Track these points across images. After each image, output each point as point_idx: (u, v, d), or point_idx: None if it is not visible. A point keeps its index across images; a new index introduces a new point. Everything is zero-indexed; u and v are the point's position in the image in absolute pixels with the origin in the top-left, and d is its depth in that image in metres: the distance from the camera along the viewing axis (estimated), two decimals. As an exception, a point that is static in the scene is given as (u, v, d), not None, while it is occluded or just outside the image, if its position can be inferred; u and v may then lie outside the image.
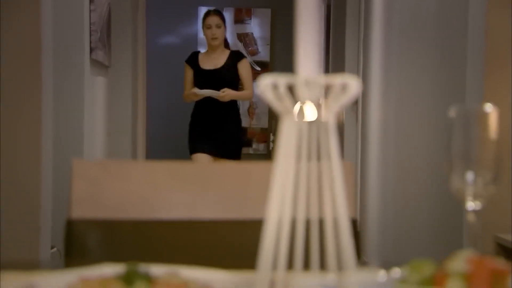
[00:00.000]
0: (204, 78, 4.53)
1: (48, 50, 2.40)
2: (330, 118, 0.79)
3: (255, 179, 1.22)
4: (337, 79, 0.76)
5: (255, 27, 6.62)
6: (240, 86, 4.63)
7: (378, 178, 3.28)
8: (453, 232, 3.02)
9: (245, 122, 6.46)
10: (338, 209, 0.77)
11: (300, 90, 0.76)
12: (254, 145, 6.84)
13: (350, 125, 4.21)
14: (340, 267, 0.70)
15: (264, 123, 6.82)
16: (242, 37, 6.54)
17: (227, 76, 4.54)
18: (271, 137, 6.71)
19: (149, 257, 0.89)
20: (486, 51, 2.76)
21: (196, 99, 4.53)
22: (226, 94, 4.44)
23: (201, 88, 4.49)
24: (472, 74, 2.92)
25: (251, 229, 1.17)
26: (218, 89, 4.45)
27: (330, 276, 0.60)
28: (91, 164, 1.20)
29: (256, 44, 6.54)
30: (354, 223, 1.19)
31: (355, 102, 3.95)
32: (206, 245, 1.18)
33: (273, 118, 6.67)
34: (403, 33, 3.36)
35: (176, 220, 1.20)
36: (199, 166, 1.24)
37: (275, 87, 0.77)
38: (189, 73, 4.61)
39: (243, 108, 6.37)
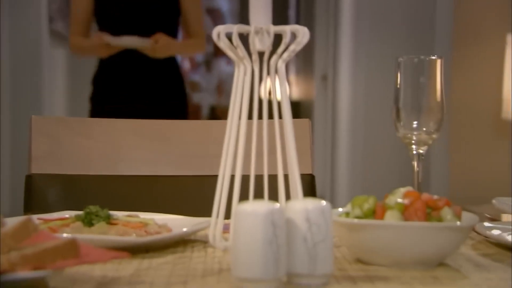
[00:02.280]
0: (116, 14, 2.63)
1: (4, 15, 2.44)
2: (281, 67, 0.87)
3: (215, 137, 1.31)
4: (287, 27, 0.84)
5: None
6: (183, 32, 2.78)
7: (347, 138, 3.55)
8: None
9: (211, 99, 6.50)
10: (290, 162, 0.86)
11: (252, 39, 0.85)
12: (222, 124, 6.89)
13: (321, 102, 4.31)
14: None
15: (233, 101, 6.87)
16: None
17: (161, 11, 2.65)
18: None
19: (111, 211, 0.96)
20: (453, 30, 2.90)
21: (106, 54, 2.62)
22: (161, 44, 2.58)
23: (114, 33, 2.58)
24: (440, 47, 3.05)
25: (210, 184, 1.26)
26: (145, 34, 2.59)
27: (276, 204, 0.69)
28: (50, 120, 1.27)
29: None
30: (312, 178, 1.28)
31: (325, 78, 4.05)
32: (166, 199, 1.27)
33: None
34: (373, 7, 3.48)
35: (137, 176, 1.28)
36: (161, 123, 1.32)
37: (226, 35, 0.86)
38: (82, 3, 2.63)
39: (210, 83, 6.40)
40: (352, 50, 3.62)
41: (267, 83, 0.89)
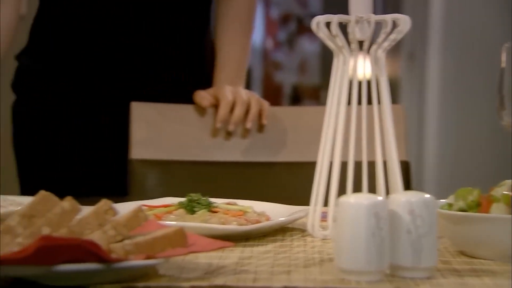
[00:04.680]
0: None
1: None
2: (381, 56, 0.87)
3: (309, 123, 1.32)
4: (388, 16, 0.84)
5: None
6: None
7: (437, 123, 3.45)
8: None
9: (293, 78, 6.49)
10: (389, 150, 0.86)
11: (352, 28, 0.85)
12: (305, 103, 6.90)
13: (407, 80, 4.23)
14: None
15: (315, 79, 6.86)
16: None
17: None
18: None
19: (206, 196, 0.99)
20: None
21: None
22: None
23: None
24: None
25: (303, 171, 1.27)
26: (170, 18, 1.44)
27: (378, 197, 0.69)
28: (149, 106, 1.31)
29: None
30: (406, 165, 1.27)
31: (412, 56, 3.97)
32: (260, 185, 1.29)
33: (326, 73, 6.70)
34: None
35: (231, 162, 1.31)
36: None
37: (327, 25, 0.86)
38: None
39: (292, 62, 6.40)
40: (442, 25, 3.51)
41: (366, 72, 0.89)
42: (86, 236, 0.69)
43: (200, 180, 1.29)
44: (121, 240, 0.70)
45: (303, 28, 5.91)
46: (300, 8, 6.37)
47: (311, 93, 6.84)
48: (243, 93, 1.30)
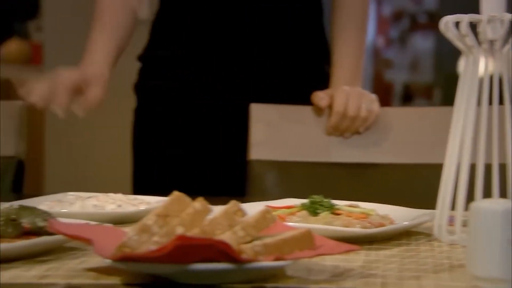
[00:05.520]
0: None
1: None
2: (513, 55, 0.84)
3: (432, 124, 1.29)
4: (523, 15, 0.81)
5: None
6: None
7: None
8: None
9: (405, 76, 6.37)
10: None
11: (484, 27, 0.82)
12: (417, 102, 6.74)
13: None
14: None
15: (428, 77, 6.69)
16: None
17: None
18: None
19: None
20: None
21: None
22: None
23: None
24: None
25: (425, 173, 1.25)
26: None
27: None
28: (269, 107, 1.33)
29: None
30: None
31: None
32: (380, 187, 1.28)
33: (440, 71, 6.52)
34: None
35: (350, 163, 1.30)
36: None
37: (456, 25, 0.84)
38: None
39: (404, 60, 6.27)
40: None
41: (493, 71, 0.86)
42: (217, 236, 0.71)
43: (318, 181, 1.29)
44: (250, 241, 0.72)
45: (416, 25, 5.78)
46: (414, 4, 6.23)
47: (424, 92, 6.67)
48: (358, 96, 1.28)
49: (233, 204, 0.74)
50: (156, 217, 0.71)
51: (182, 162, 1.39)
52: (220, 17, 1.35)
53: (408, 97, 6.52)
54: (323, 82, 1.35)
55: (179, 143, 1.40)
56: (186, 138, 1.39)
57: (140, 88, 1.45)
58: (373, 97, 1.31)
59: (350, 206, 0.95)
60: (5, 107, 1.36)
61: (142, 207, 0.96)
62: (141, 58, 1.45)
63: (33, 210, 0.80)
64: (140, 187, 1.42)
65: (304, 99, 1.33)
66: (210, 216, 0.73)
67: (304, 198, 0.95)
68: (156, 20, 1.43)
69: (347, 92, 1.28)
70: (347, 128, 1.28)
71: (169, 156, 1.40)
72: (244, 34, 1.35)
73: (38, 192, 2.49)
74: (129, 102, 1.46)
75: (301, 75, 1.38)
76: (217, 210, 0.74)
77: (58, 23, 2.87)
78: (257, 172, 1.30)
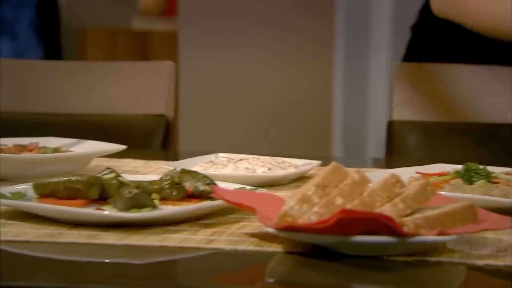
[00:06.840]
0: None
1: None
2: None
3: None
4: None
5: None
6: None
7: None
8: None
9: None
10: None
11: None
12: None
13: None
14: None
15: None
16: None
17: None
18: None
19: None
20: None
21: None
22: None
23: None
24: None
25: None
26: None
27: None
28: (412, 66, 1.29)
29: None
30: None
31: None
32: None
33: None
34: None
35: (496, 124, 1.25)
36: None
37: None
38: None
39: None
40: None
41: None
42: (376, 208, 0.71)
43: (465, 144, 1.25)
44: (410, 214, 0.71)
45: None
46: None
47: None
48: None
49: (391, 176, 0.73)
50: (315, 187, 0.71)
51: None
52: None
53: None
54: None
55: None
56: None
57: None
58: None
59: (506, 173, 0.92)
60: (155, 67, 1.40)
61: (292, 170, 0.97)
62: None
63: (194, 174, 0.83)
64: None
65: None
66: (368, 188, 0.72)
67: (448, 163, 0.93)
68: None
69: None
70: None
71: None
72: None
73: (176, 149, 2.53)
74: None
75: None
76: (374, 180, 0.74)
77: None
78: (399, 133, 1.28)
